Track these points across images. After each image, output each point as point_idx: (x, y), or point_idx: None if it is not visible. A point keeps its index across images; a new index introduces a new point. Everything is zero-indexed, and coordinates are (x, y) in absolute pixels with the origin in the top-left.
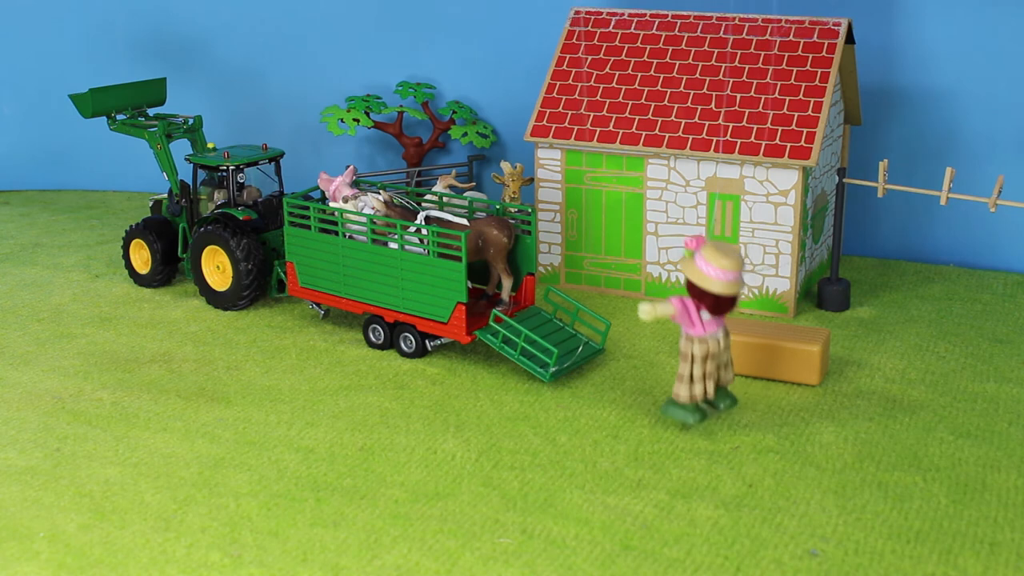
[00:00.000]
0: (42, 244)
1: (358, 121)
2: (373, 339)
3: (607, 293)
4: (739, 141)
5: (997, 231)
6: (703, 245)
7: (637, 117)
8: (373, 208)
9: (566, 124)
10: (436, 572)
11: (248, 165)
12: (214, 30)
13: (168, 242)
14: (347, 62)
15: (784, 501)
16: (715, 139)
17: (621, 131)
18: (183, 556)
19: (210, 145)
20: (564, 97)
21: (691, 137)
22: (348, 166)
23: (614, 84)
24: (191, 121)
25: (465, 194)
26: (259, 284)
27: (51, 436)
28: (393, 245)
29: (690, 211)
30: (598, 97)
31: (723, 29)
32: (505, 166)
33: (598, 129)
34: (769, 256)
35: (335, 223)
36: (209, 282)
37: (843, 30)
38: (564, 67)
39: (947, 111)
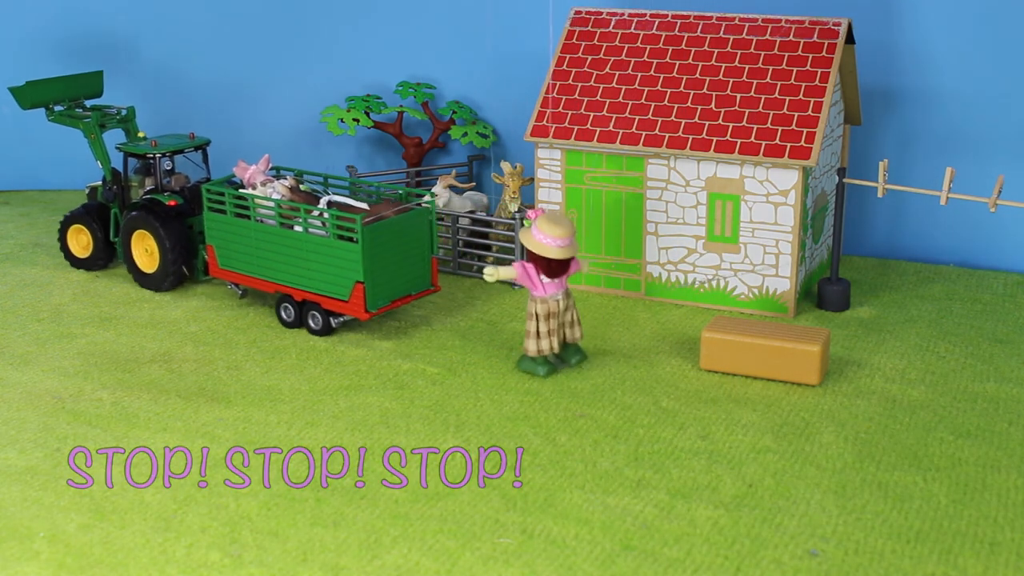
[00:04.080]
0: (42, 244)
1: (358, 121)
2: (285, 317)
3: (607, 293)
4: (739, 141)
5: (997, 231)
6: (538, 216)
7: (637, 117)
8: (280, 194)
9: (566, 124)
10: (436, 572)
11: (175, 153)
12: (215, 30)
13: (106, 227)
14: (347, 62)
15: (784, 501)
16: (715, 139)
17: (621, 131)
18: (183, 556)
19: (140, 134)
20: (564, 97)
21: (691, 137)
22: (264, 155)
23: (614, 84)
24: (124, 112)
25: (464, 194)
26: (185, 266)
27: (51, 436)
28: (298, 228)
29: (690, 211)
30: (598, 97)
31: (723, 29)
32: (505, 166)
33: (598, 129)
34: (769, 256)
35: (248, 208)
36: (138, 264)
37: (843, 30)
38: (564, 67)
39: (947, 111)
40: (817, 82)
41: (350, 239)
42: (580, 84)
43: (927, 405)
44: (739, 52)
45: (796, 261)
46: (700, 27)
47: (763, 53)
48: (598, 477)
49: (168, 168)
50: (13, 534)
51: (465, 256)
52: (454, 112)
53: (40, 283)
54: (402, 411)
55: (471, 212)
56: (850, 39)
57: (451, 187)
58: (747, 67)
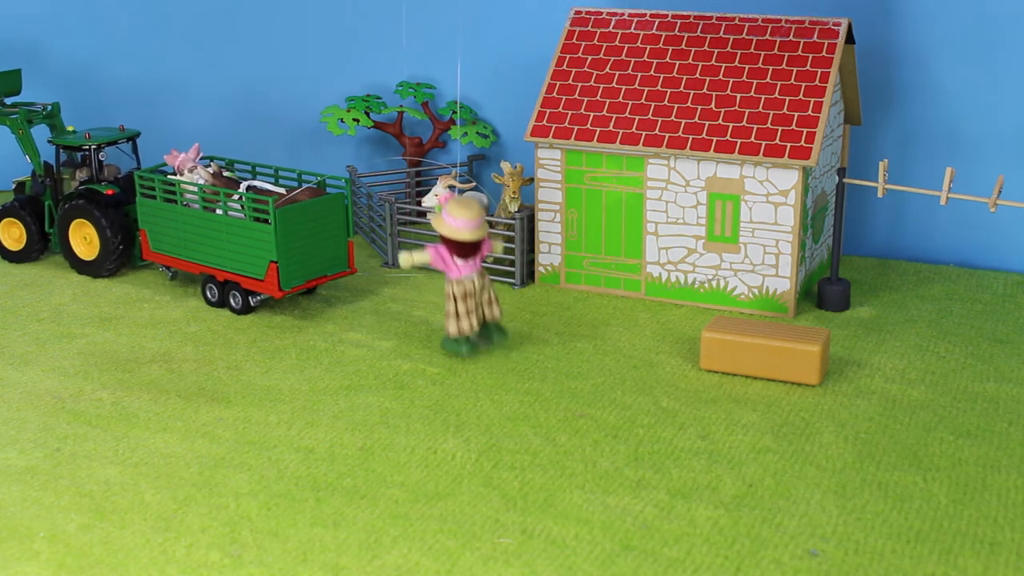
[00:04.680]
0: None
1: (358, 121)
2: (209, 297)
3: (607, 293)
4: (739, 141)
5: (997, 231)
6: (448, 200)
7: (637, 117)
8: (204, 179)
9: (566, 124)
10: (436, 572)
11: (108, 144)
12: (214, 30)
13: (40, 219)
14: (347, 62)
15: (784, 501)
16: (715, 139)
17: (621, 131)
18: (183, 556)
19: (70, 128)
20: (564, 97)
21: (691, 137)
22: (194, 144)
23: (614, 84)
24: (49, 108)
25: (464, 194)
26: (125, 252)
27: (51, 436)
28: (219, 212)
29: (690, 211)
30: (598, 97)
31: (723, 29)
32: (505, 166)
33: (598, 129)
34: (769, 256)
35: (176, 193)
36: (77, 252)
37: (843, 30)
38: (564, 67)
39: (947, 111)
40: (817, 82)
41: (265, 221)
42: (580, 84)
43: (927, 405)
44: (739, 52)
45: (796, 261)
46: (700, 27)
47: (763, 53)
48: (598, 477)
49: (102, 159)
50: (13, 534)
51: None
52: (454, 112)
53: (40, 283)
54: (402, 411)
55: None
56: (850, 39)
57: (451, 187)
58: (747, 67)
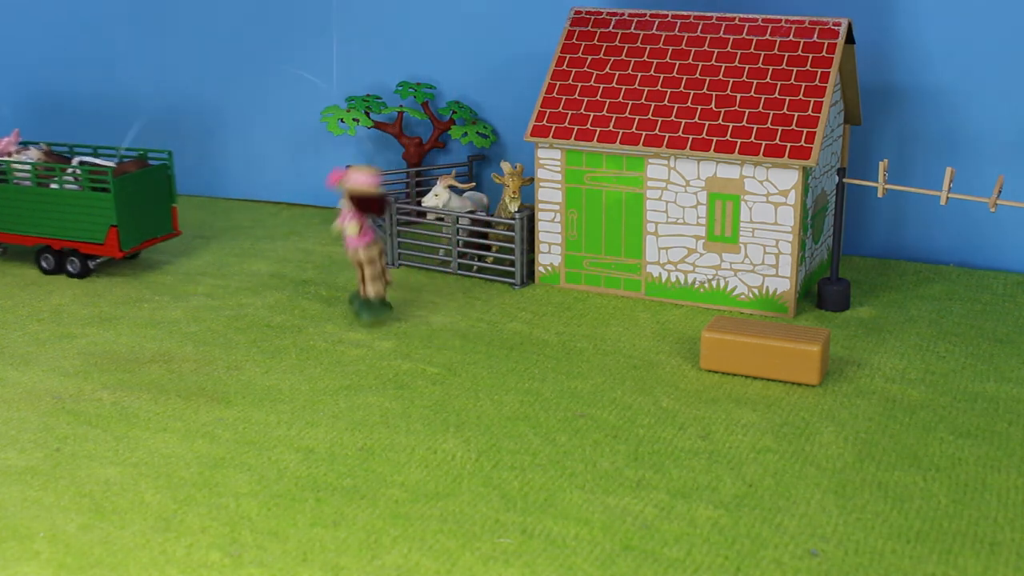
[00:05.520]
0: None
1: (358, 121)
2: (45, 266)
3: (607, 293)
4: (739, 141)
5: (997, 231)
6: (346, 172)
7: (637, 117)
8: (36, 158)
9: (566, 124)
10: (436, 572)
11: None
12: (215, 30)
13: None
14: (347, 62)
15: (784, 501)
16: (715, 139)
17: (621, 131)
18: (183, 556)
19: None
20: (564, 97)
21: (691, 137)
22: (14, 129)
23: (614, 84)
24: None
25: (464, 194)
26: None
27: (51, 436)
28: (54, 186)
29: (690, 211)
30: (598, 97)
31: (723, 29)
32: (505, 166)
33: (598, 129)
34: (769, 256)
35: (4, 173)
36: None
37: (843, 30)
38: (564, 67)
39: (947, 111)
40: (817, 82)
41: (104, 190)
42: (580, 84)
43: (927, 405)
44: (739, 52)
45: (796, 261)
46: (700, 27)
47: (763, 53)
48: (598, 477)
49: None
50: (13, 534)
51: (465, 256)
52: (454, 112)
53: (40, 283)
54: (402, 411)
55: (471, 212)
56: (850, 39)
57: (451, 187)
58: (747, 67)
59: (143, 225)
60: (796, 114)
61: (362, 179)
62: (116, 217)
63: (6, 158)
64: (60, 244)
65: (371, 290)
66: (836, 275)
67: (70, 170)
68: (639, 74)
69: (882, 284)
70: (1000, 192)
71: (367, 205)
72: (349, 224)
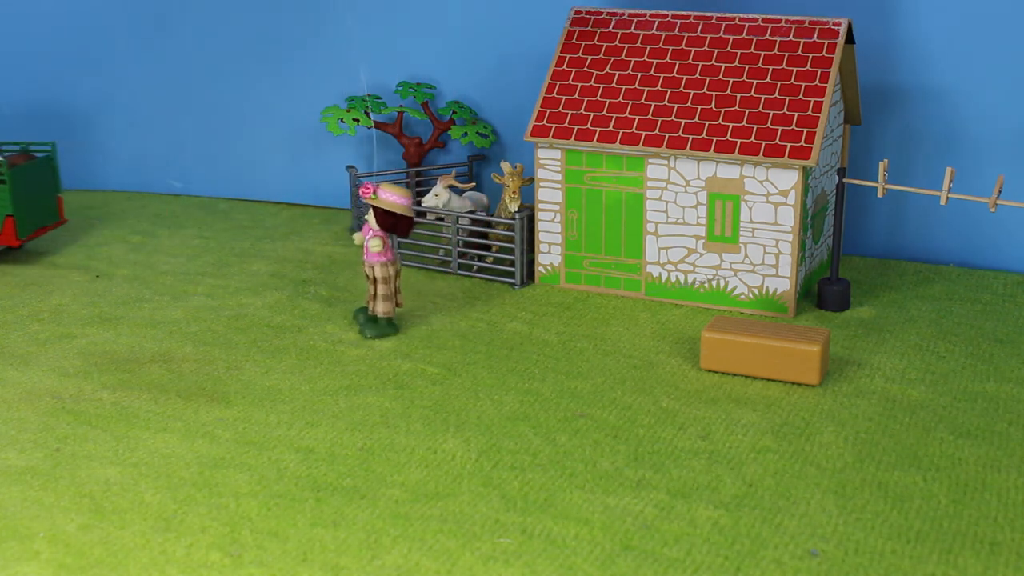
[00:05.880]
0: (42, 244)
1: (358, 121)
2: None
3: (607, 293)
4: (739, 141)
5: (997, 231)
6: (379, 187)
7: (637, 117)
8: None
9: (566, 124)
10: (436, 572)
11: None
12: (214, 30)
13: None
14: (347, 62)
15: (784, 501)
16: (715, 139)
17: (621, 131)
18: (183, 556)
19: None
20: (564, 97)
21: (691, 137)
22: None
23: (614, 84)
24: None
25: (464, 194)
26: None
27: (51, 436)
28: None
29: (690, 211)
30: (598, 97)
31: (723, 29)
32: (505, 166)
33: (598, 129)
34: (769, 256)
35: None
36: None
37: (843, 30)
38: (564, 67)
39: (947, 111)
40: (817, 82)
41: (1, 182)
42: (580, 84)
43: (927, 405)
44: (739, 52)
45: (796, 261)
46: (700, 27)
47: (763, 53)
48: (598, 477)
49: None
50: (13, 534)
51: (465, 256)
52: (454, 112)
53: (40, 283)
54: (402, 411)
55: (471, 212)
56: (850, 39)
57: (451, 187)
58: (747, 67)
59: (35, 214)
60: (796, 114)
61: (395, 199)
62: (13, 207)
63: None
64: None
65: (380, 308)
66: (836, 275)
67: None
68: (639, 74)
69: (882, 284)
70: (1000, 192)
71: (395, 224)
72: (373, 240)
